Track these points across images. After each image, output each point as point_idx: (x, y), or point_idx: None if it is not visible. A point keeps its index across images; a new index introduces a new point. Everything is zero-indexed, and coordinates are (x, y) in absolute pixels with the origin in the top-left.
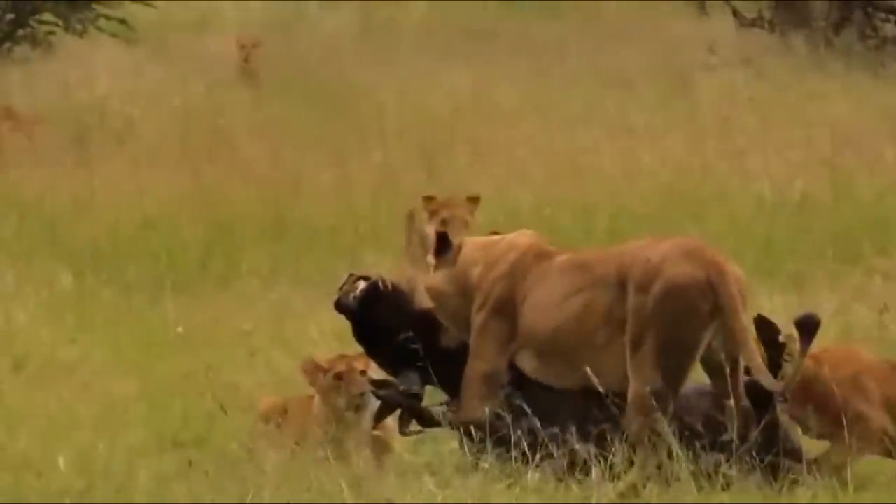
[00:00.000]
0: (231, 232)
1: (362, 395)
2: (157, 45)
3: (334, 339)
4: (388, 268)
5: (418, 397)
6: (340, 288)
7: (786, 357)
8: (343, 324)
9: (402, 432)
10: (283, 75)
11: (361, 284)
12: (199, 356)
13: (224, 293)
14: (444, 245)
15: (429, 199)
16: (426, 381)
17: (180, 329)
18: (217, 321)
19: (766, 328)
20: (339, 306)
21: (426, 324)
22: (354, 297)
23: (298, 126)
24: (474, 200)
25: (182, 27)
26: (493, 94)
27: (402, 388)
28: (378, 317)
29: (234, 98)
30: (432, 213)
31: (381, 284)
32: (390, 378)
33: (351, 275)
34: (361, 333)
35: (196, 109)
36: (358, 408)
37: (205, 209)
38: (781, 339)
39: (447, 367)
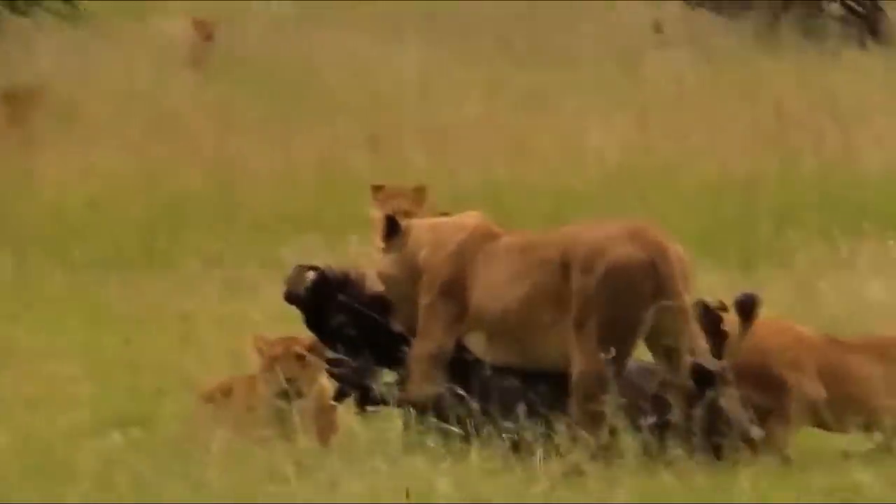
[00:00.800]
0: (176, 213)
1: (292, 381)
2: (101, 26)
3: (279, 321)
4: (332, 248)
5: (373, 377)
6: (288, 279)
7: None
8: (287, 305)
9: (359, 411)
10: (228, 57)
11: (310, 275)
12: (143, 336)
13: (168, 273)
14: (392, 229)
15: (377, 188)
16: (380, 362)
17: (124, 309)
18: (161, 301)
19: (708, 315)
20: (290, 298)
21: (378, 308)
22: (305, 288)
23: (244, 108)
24: (421, 191)
25: (127, 9)
26: (439, 76)
27: (355, 366)
28: (329, 305)
29: (180, 80)
30: (380, 203)
31: (329, 273)
32: (345, 358)
33: (299, 266)
34: (314, 323)
35: (142, 90)
36: (290, 395)
37: (150, 190)
38: (724, 326)
39: (400, 349)
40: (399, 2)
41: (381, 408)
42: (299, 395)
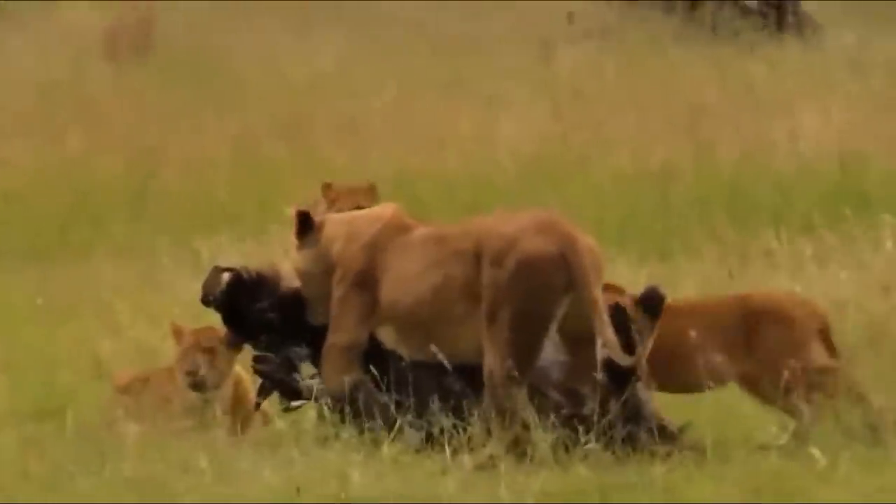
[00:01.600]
0: (92, 203)
1: (194, 373)
2: (12, 15)
3: (195, 312)
4: (247, 238)
5: (296, 372)
6: (205, 282)
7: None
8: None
9: (285, 407)
10: (146, 47)
11: (226, 277)
12: (60, 327)
13: (85, 264)
14: (305, 225)
15: (328, 185)
16: (304, 358)
17: (40, 300)
18: (77, 292)
19: (619, 315)
20: (206, 301)
21: (297, 304)
22: (221, 291)
23: (160, 97)
24: (371, 189)
25: None
26: (354, 65)
27: (279, 362)
28: (246, 306)
29: (96, 70)
30: (331, 202)
31: (244, 274)
32: (269, 354)
33: (215, 267)
34: (232, 324)
35: (57, 80)
36: (197, 385)
37: (66, 180)
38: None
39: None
40: None
41: (305, 402)
42: (214, 386)
